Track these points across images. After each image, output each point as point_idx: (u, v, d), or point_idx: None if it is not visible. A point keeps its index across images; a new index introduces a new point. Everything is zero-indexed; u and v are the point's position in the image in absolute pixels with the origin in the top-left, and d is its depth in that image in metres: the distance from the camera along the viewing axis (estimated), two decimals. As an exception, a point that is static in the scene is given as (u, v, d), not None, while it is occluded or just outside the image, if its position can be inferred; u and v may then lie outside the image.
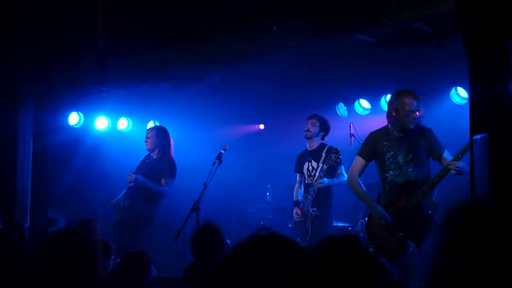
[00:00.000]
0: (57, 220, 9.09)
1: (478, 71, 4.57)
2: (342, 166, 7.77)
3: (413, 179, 5.93)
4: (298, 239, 7.31)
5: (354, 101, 9.64)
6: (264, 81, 9.34)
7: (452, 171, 5.68)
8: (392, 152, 6.03)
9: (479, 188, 4.29)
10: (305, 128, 7.92)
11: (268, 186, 9.63)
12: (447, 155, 5.86)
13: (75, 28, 7.80)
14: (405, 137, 6.01)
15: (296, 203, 7.85)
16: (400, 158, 5.98)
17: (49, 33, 7.99)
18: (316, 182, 7.58)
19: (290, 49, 7.49)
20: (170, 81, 9.07)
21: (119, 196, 8.14)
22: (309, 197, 7.60)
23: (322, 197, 7.64)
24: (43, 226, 8.67)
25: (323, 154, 7.71)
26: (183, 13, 7.40)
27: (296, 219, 7.75)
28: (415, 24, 6.59)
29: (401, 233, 5.89)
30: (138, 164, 8.24)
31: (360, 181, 6.23)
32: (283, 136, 9.37)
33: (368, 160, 6.22)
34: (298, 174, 8.11)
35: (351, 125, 8.20)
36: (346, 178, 7.61)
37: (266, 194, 9.66)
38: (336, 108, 9.86)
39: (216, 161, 7.53)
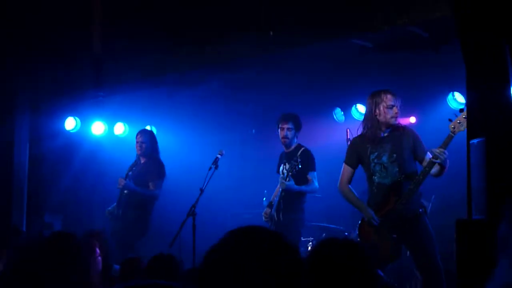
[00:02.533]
0: (53, 225, 9.07)
1: (475, 76, 4.58)
2: (315, 172, 7.45)
3: (399, 179, 5.88)
4: None
5: (351, 106, 9.61)
6: (261, 87, 9.33)
7: (436, 160, 5.60)
8: (376, 153, 5.98)
9: (475, 192, 4.30)
10: (283, 135, 7.50)
11: (265, 191, 9.60)
12: (428, 157, 5.80)
13: (71, 33, 7.79)
14: (387, 137, 5.98)
15: (269, 204, 7.49)
16: (384, 159, 5.94)
17: (45, 38, 7.99)
18: (283, 184, 7.16)
19: (286, 55, 7.49)
20: (166, 86, 9.07)
21: (114, 204, 8.14)
22: (276, 199, 7.31)
23: (289, 201, 7.27)
24: (39, 231, 8.66)
25: (298, 156, 7.34)
26: (180, 19, 7.40)
27: (264, 220, 7.38)
28: (412, 29, 6.60)
29: (395, 235, 5.85)
30: (126, 172, 8.21)
31: (351, 188, 6.20)
32: (280, 141, 9.36)
33: (354, 166, 6.17)
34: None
35: (348, 130, 8.13)
36: (315, 185, 7.37)
37: (262, 200, 9.63)
38: (333, 113, 9.84)
39: (212, 166, 7.50)
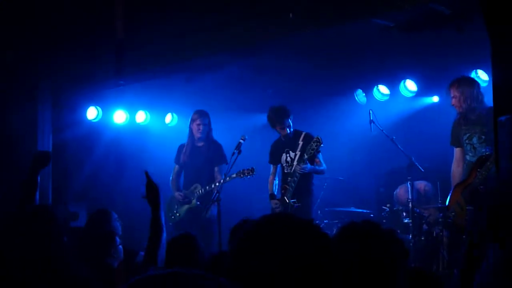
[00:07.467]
0: (78, 214, 9.11)
1: (501, 52, 4.50)
2: (320, 154, 7.61)
3: (484, 156, 6.24)
4: None
5: (373, 87, 9.53)
6: (280, 70, 9.26)
7: None
8: (468, 134, 6.47)
9: (504, 168, 4.23)
10: (283, 126, 7.75)
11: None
12: None
13: (92, 21, 7.77)
14: (479, 120, 6.41)
15: (272, 196, 7.72)
16: (475, 140, 6.40)
17: (67, 27, 7.98)
18: (299, 167, 7.38)
19: (306, 36, 7.42)
20: (187, 72, 9.03)
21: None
22: (290, 188, 7.39)
23: (302, 187, 7.46)
24: (65, 221, 8.70)
25: (300, 142, 7.57)
26: (197, 4, 7.35)
27: (274, 208, 7.58)
28: (434, 6, 6.50)
29: (470, 207, 6.10)
30: (182, 157, 8.28)
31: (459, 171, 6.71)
32: (301, 125, 9.30)
33: (459, 146, 6.69)
34: (272, 166, 7.98)
35: (371, 112, 8.07)
36: (324, 167, 7.63)
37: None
38: (355, 95, 9.76)
39: (235, 151, 7.50)
